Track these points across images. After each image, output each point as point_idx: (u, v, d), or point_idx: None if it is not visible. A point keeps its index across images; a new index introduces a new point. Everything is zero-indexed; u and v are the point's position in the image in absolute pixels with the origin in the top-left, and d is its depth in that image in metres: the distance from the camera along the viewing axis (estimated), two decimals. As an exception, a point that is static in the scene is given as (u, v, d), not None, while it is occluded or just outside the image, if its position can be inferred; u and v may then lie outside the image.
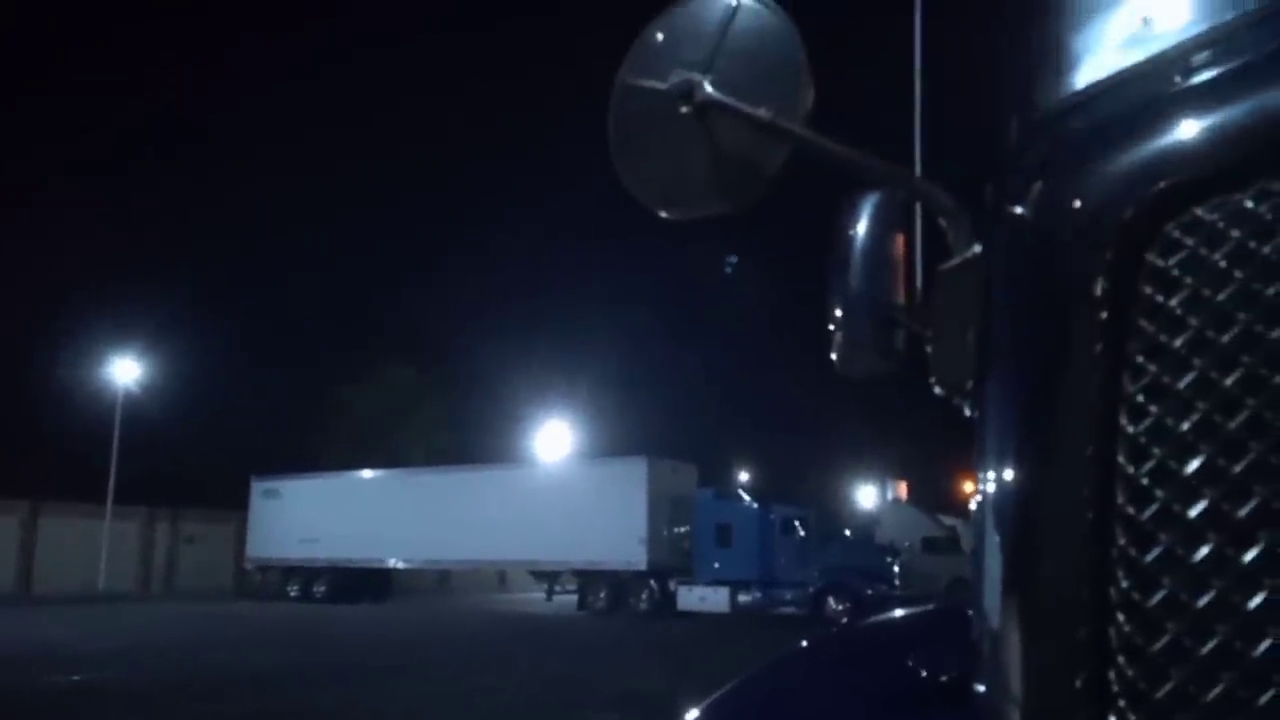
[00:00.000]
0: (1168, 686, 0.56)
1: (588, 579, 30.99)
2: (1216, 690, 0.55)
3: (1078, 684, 0.59)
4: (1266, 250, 0.58)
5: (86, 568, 38.25)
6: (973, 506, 0.74)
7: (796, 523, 28.41)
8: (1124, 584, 0.58)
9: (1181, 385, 0.59)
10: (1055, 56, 0.78)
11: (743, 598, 27.63)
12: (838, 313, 1.06)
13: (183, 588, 41.26)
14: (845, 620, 20.55)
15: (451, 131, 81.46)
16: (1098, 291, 0.63)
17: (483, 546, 32.26)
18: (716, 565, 28.10)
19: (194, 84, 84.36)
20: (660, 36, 1.12)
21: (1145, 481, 0.59)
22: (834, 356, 1.08)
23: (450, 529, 32.64)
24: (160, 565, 42.59)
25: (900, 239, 1.08)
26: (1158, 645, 0.57)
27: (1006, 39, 0.88)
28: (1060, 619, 0.61)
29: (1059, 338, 0.65)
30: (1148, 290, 0.61)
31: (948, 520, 35.01)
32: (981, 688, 0.71)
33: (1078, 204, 0.66)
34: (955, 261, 0.86)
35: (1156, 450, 0.59)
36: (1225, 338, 0.58)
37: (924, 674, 1.28)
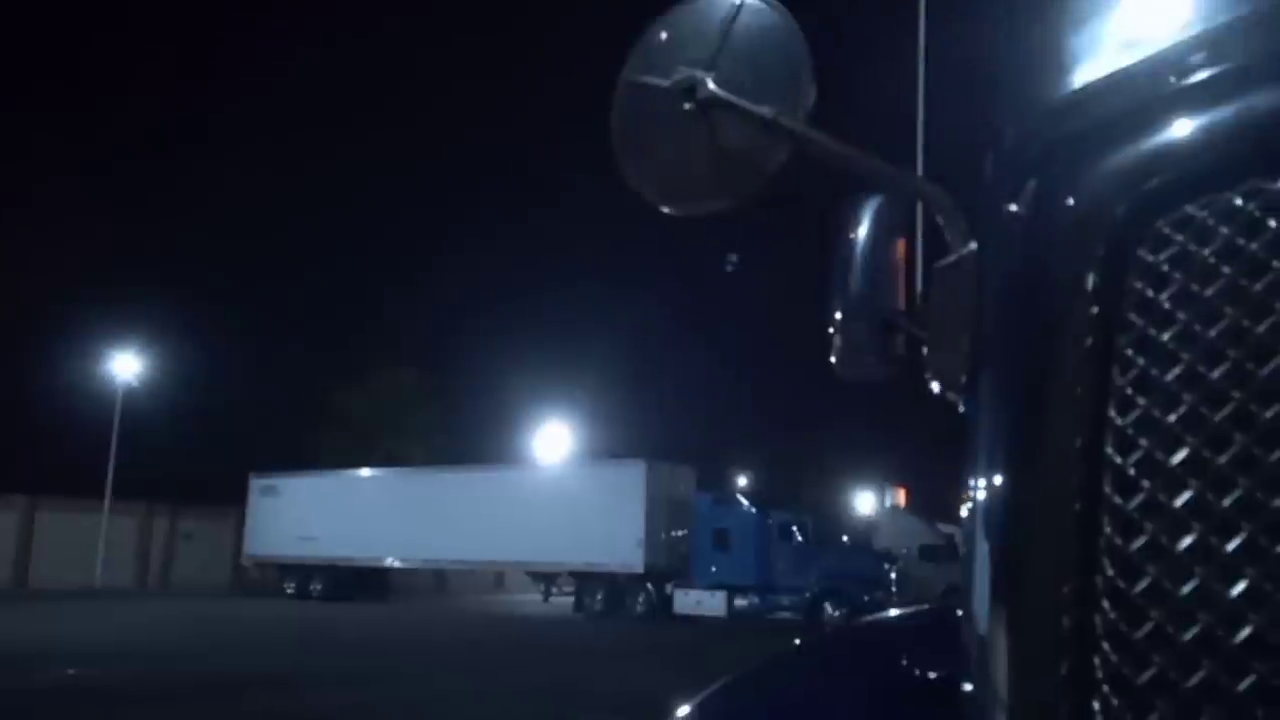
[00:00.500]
0: (1150, 673, 0.57)
1: (585, 581, 30.98)
2: (1198, 676, 0.56)
3: (1063, 670, 0.61)
4: (1255, 247, 0.59)
5: (84, 563, 38.26)
6: (965, 502, 0.75)
7: (794, 528, 28.40)
8: (1109, 572, 0.60)
9: (1169, 378, 0.60)
10: (1052, 57, 0.79)
11: (739, 602, 27.62)
12: (838, 316, 1.07)
13: (180, 584, 41.27)
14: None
15: (453, 132, 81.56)
16: (1089, 286, 0.64)
17: (480, 547, 32.25)
18: (714, 569, 28.10)
19: (197, 82, 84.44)
20: (664, 35, 1.14)
21: (1132, 472, 0.60)
22: (833, 360, 1.10)
23: (448, 529, 32.63)
24: (158, 561, 42.60)
25: (901, 243, 1.09)
26: (1141, 632, 0.58)
27: (1003, 39, 0.89)
28: (1047, 606, 0.62)
29: (1051, 331, 0.66)
30: (1138, 285, 0.63)
31: (945, 528, 34.99)
32: (969, 686, 0.72)
33: (1071, 201, 0.68)
34: (951, 258, 0.88)
35: (1143, 441, 0.60)
36: (1213, 332, 0.59)
37: (914, 672, 1.29)
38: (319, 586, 35.72)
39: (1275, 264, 0.58)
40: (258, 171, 72.77)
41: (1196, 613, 0.56)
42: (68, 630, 19.54)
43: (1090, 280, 0.64)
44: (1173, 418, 0.59)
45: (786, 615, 26.77)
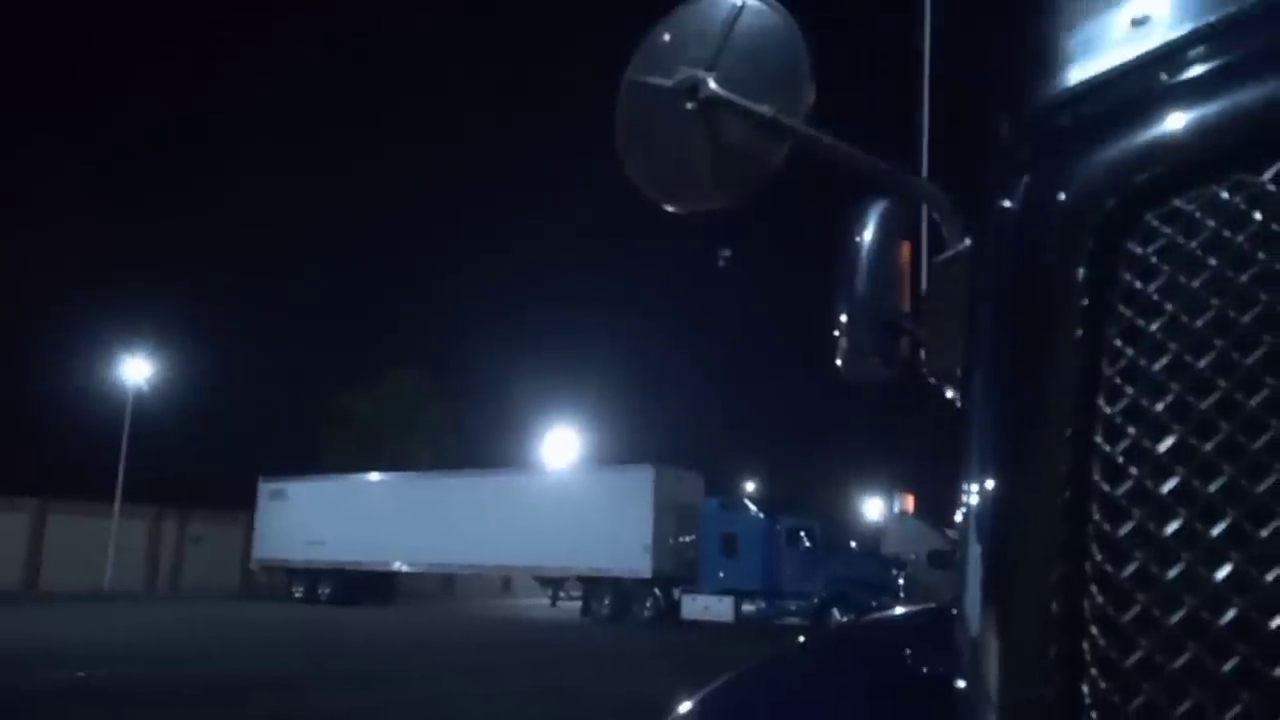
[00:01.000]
0: (1137, 655, 0.58)
1: (592, 586, 30.98)
2: (1183, 659, 0.57)
3: (1052, 653, 0.62)
4: (1240, 239, 0.60)
5: (94, 566, 38.39)
6: (960, 506, 0.76)
7: (802, 533, 28.35)
8: (1098, 557, 0.61)
9: (1156, 367, 0.61)
10: (1046, 55, 0.81)
11: (747, 607, 27.58)
12: (843, 318, 1.08)
13: (188, 587, 41.40)
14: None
15: (460, 136, 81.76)
16: (1079, 278, 0.65)
17: (488, 551, 32.28)
18: (721, 574, 28.07)
19: (206, 85, 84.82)
20: (667, 35, 1.16)
21: (1121, 459, 0.61)
22: (838, 361, 1.11)
23: (456, 533, 32.66)
24: (167, 565, 42.75)
25: (906, 246, 1.10)
26: (1128, 616, 0.59)
27: (1000, 38, 0.90)
28: (1037, 590, 0.64)
29: (1042, 322, 0.67)
30: (1126, 277, 0.64)
31: (954, 534, 34.68)
32: (962, 683, 0.73)
33: (1062, 195, 0.69)
34: (948, 254, 0.89)
35: (1132, 430, 0.61)
36: (1199, 322, 0.60)
37: (915, 669, 1.30)
38: (327, 590, 35.79)
39: (1260, 255, 0.59)
40: (267, 175, 73.11)
41: (1182, 596, 0.57)
42: (76, 632, 19.61)
43: (1080, 273, 0.65)
44: (1160, 406, 0.60)
45: (795, 621, 26.72)
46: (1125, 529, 0.60)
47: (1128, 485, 0.61)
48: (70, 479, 39.31)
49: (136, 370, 42.86)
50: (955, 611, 0.76)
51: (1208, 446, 0.58)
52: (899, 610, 2.06)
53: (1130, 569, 0.59)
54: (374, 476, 37.84)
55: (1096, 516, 0.61)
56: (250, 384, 52.81)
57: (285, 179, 73.30)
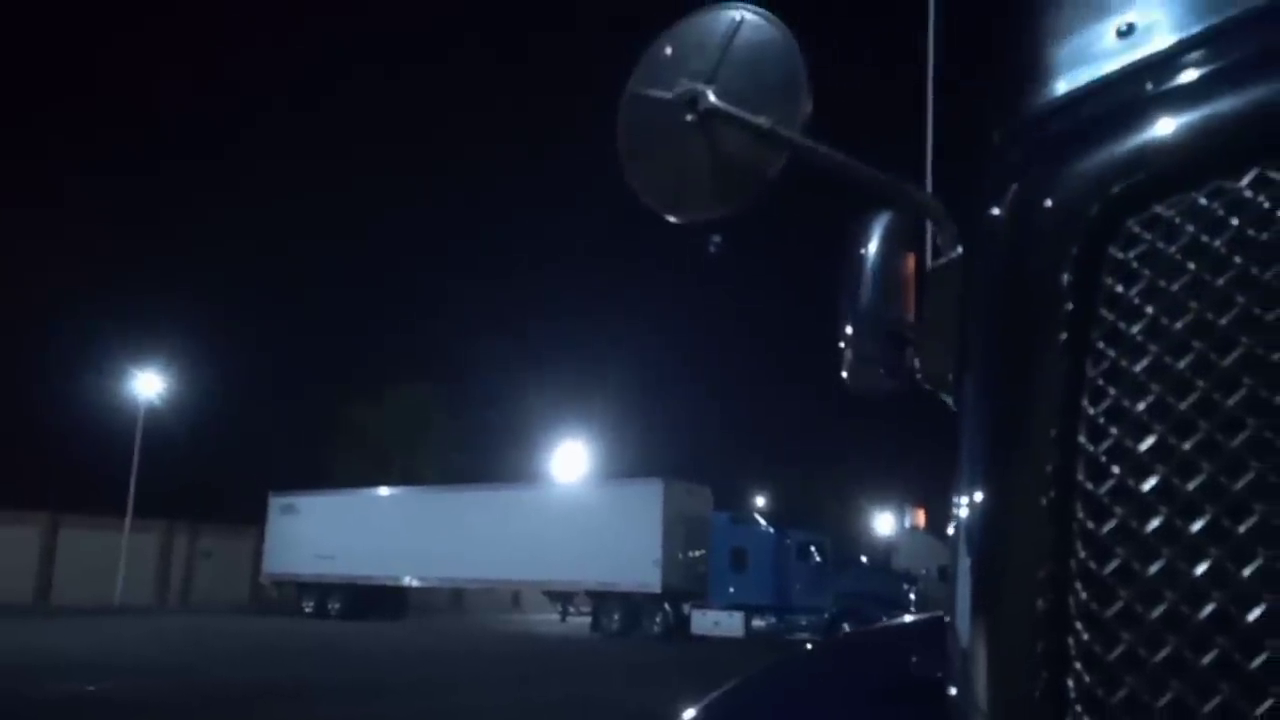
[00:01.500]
0: (1120, 650, 0.60)
1: (602, 600, 30.90)
2: (1164, 652, 0.58)
3: (1039, 649, 0.63)
4: (1217, 243, 0.62)
5: (104, 580, 38.48)
6: (950, 519, 0.77)
7: (812, 548, 28.26)
8: (1082, 554, 0.62)
9: (1137, 369, 0.63)
10: (1037, 66, 0.83)
11: (757, 622, 27.47)
12: (848, 330, 1.10)
13: (199, 601, 41.45)
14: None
15: (471, 150, 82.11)
16: (1064, 283, 0.67)
17: (497, 566, 32.24)
18: (731, 589, 27.98)
19: (216, 103, 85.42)
20: (668, 49, 1.18)
21: (1103, 459, 0.63)
22: (844, 374, 1.13)
23: (465, 548, 32.64)
24: (177, 579, 42.82)
25: (910, 257, 1.12)
26: (1111, 611, 0.60)
27: (995, 49, 0.92)
28: (1024, 588, 0.65)
29: (1029, 326, 0.69)
30: (1109, 281, 0.65)
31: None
32: (953, 690, 0.74)
33: (1049, 202, 0.71)
34: (941, 261, 0.91)
35: (1114, 429, 0.63)
36: (1178, 324, 0.62)
37: (918, 672, 1.31)
38: (337, 605, 35.79)
39: (1237, 259, 0.61)
40: (278, 189, 73.50)
41: (1163, 591, 0.59)
42: (86, 645, 19.64)
43: (1065, 277, 0.67)
44: (1141, 406, 0.62)
45: (805, 636, 26.60)
46: (1108, 526, 0.62)
47: (1110, 484, 0.62)
48: (81, 493, 39.52)
49: (148, 385, 43.04)
50: (946, 619, 0.77)
51: (1187, 445, 0.60)
52: (905, 618, 2.06)
53: (1113, 565, 0.61)
54: (384, 491, 37.87)
55: (1080, 515, 0.63)
56: (261, 398, 53.05)
57: (297, 193, 73.74)
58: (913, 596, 26.83)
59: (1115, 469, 0.62)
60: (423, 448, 48.72)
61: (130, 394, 42.86)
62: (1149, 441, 0.61)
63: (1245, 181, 0.62)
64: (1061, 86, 0.80)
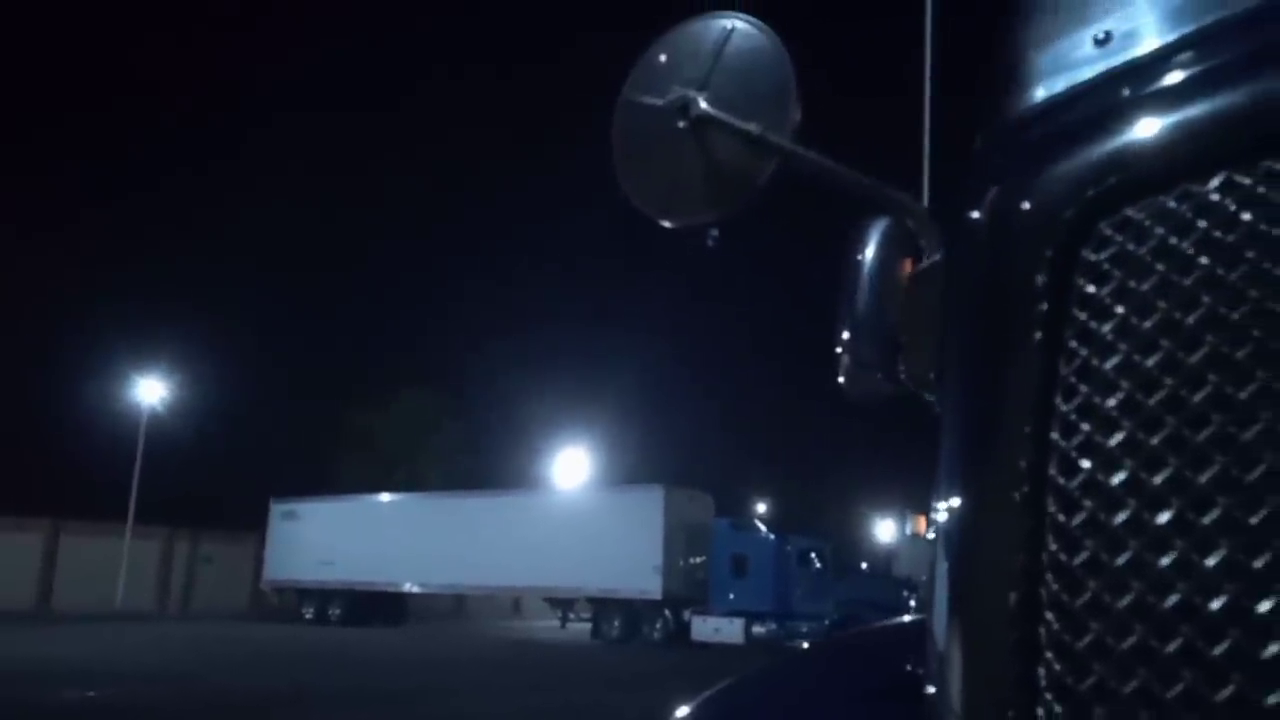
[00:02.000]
0: (1088, 639, 0.62)
1: (602, 607, 30.89)
2: (1131, 640, 0.60)
3: (1011, 639, 0.65)
4: (1185, 245, 0.64)
5: (105, 586, 38.46)
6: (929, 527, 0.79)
7: (813, 555, 28.25)
8: (1053, 547, 0.64)
9: (1108, 366, 0.65)
10: (1017, 74, 0.85)
11: (758, 629, 27.45)
12: (845, 335, 1.12)
13: (200, 607, 41.43)
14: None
15: (477, 155, 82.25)
16: (1039, 283, 0.69)
17: (498, 572, 32.23)
18: (732, 596, 27.97)
19: (220, 108, 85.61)
20: (661, 57, 1.20)
21: (1074, 454, 0.65)
22: (841, 379, 1.14)
23: (466, 554, 32.63)
24: (178, 585, 42.80)
25: (907, 264, 1.14)
26: (1080, 601, 0.62)
27: (978, 57, 0.94)
28: (997, 581, 0.67)
29: (1006, 325, 0.71)
30: (1081, 281, 0.67)
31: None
32: (931, 689, 0.76)
33: (1026, 205, 0.73)
34: (924, 264, 0.93)
35: (1085, 425, 0.65)
36: (1147, 323, 0.64)
37: (912, 671, 1.33)
38: (337, 611, 35.77)
39: (1203, 260, 0.63)
40: (282, 194, 73.60)
41: (1130, 581, 0.61)
42: (88, 651, 19.64)
43: (1040, 279, 0.69)
44: (1111, 403, 0.64)
45: (806, 643, 26.57)
46: (1078, 519, 0.64)
47: (1081, 478, 0.64)
48: (83, 499, 39.52)
49: (150, 391, 43.09)
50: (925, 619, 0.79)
51: (1154, 440, 0.62)
52: (906, 618, 2.07)
53: (1082, 557, 0.63)
54: (385, 497, 37.88)
55: (1052, 508, 0.65)
56: (263, 405, 53.07)
57: (300, 199, 73.82)
58: (913, 603, 26.78)
59: (1086, 463, 0.64)
60: (425, 454, 48.73)
61: (133, 400, 42.92)
62: (1118, 437, 0.63)
63: (1212, 185, 0.64)
64: (1040, 93, 0.82)
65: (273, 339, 63.27)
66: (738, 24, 1.15)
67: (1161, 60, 0.72)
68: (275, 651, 22.05)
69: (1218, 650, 0.56)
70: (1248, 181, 0.62)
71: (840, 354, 1.12)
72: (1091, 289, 0.67)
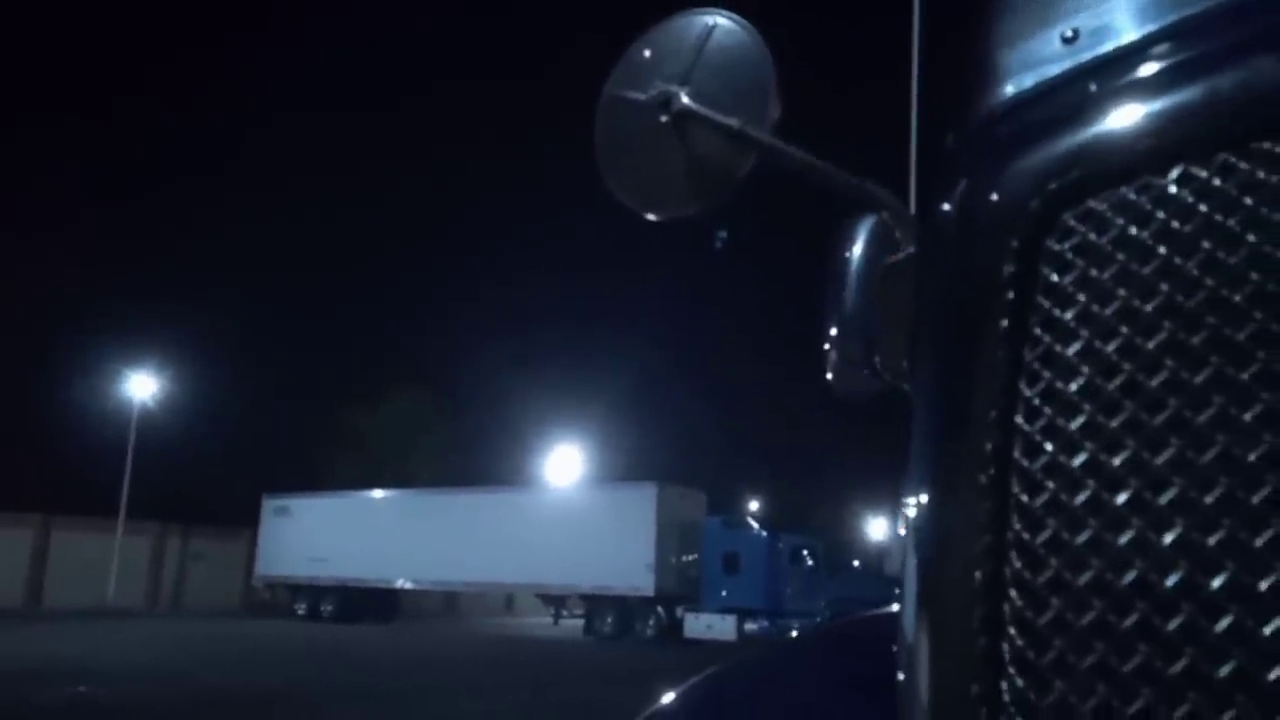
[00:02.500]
0: (1049, 615, 0.64)
1: (595, 604, 30.91)
2: (1089, 616, 0.62)
3: (976, 618, 0.67)
4: (1144, 235, 0.66)
5: (96, 582, 38.37)
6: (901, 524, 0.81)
7: (805, 552, 28.33)
8: (1016, 526, 0.66)
9: (1070, 352, 0.67)
10: (989, 72, 0.87)
11: (750, 626, 27.53)
12: (832, 332, 1.14)
13: (191, 604, 41.35)
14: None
15: (468, 155, 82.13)
16: (1005, 273, 0.71)
17: (491, 569, 32.24)
18: (724, 593, 28.03)
19: (212, 106, 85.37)
20: (645, 53, 1.22)
21: (1038, 437, 0.67)
22: (828, 375, 1.17)
23: (459, 551, 32.63)
24: (169, 581, 42.71)
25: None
26: (1042, 579, 0.64)
27: (949, 56, 0.96)
28: (962, 561, 0.69)
29: (974, 313, 0.73)
30: (1045, 270, 0.69)
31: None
32: (900, 674, 0.78)
33: (994, 198, 0.75)
34: (898, 256, 0.95)
35: (1048, 409, 0.67)
36: (1107, 310, 0.66)
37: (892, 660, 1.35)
38: (329, 607, 35.72)
39: (1161, 250, 0.65)
40: (273, 194, 73.45)
41: (1089, 559, 0.63)
42: (78, 648, 19.61)
43: (1007, 268, 0.71)
44: (1072, 387, 0.66)
45: (797, 640, 26.58)
46: (1041, 500, 0.66)
47: (1043, 460, 0.66)
48: (74, 495, 39.44)
49: (141, 387, 42.99)
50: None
51: (1113, 423, 0.64)
52: (892, 609, 2.09)
53: (1044, 536, 0.65)
54: (377, 493, 37.82)
55: (1016, 489, 0.67)
56: (254, 401, 52.98)
57: (291, 196, 73.69)
58: (905, 600, 26.85)
59: (1048, 446, 0.66)
60: (417, 452, 48.68)
61: (124, 396, 42.82)
62: (1079, 420, 0.65)
63: (1171, 178, 0.66)
64: (1009, 90, 0.84)
65: (265, 337, 63.22)
66: (720, 20, 1.17)
67: (1124, 58, 0.75)
68: (267, 649, 22.03)
69: (1172, 625, 0.58)
70: (1204, 174, 0.65)
71: (828, 351, 1.15)
72: (1055, 278, 0.69)
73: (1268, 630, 0.55)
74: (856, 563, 32.67)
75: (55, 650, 18.85)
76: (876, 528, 53.93)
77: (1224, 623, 0.56)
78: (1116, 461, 0.63)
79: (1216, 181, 0.64)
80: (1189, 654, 0.57)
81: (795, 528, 31.00)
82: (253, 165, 78.85)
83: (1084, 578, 0.62)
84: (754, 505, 49.27)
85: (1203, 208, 0.64)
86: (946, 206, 0.80)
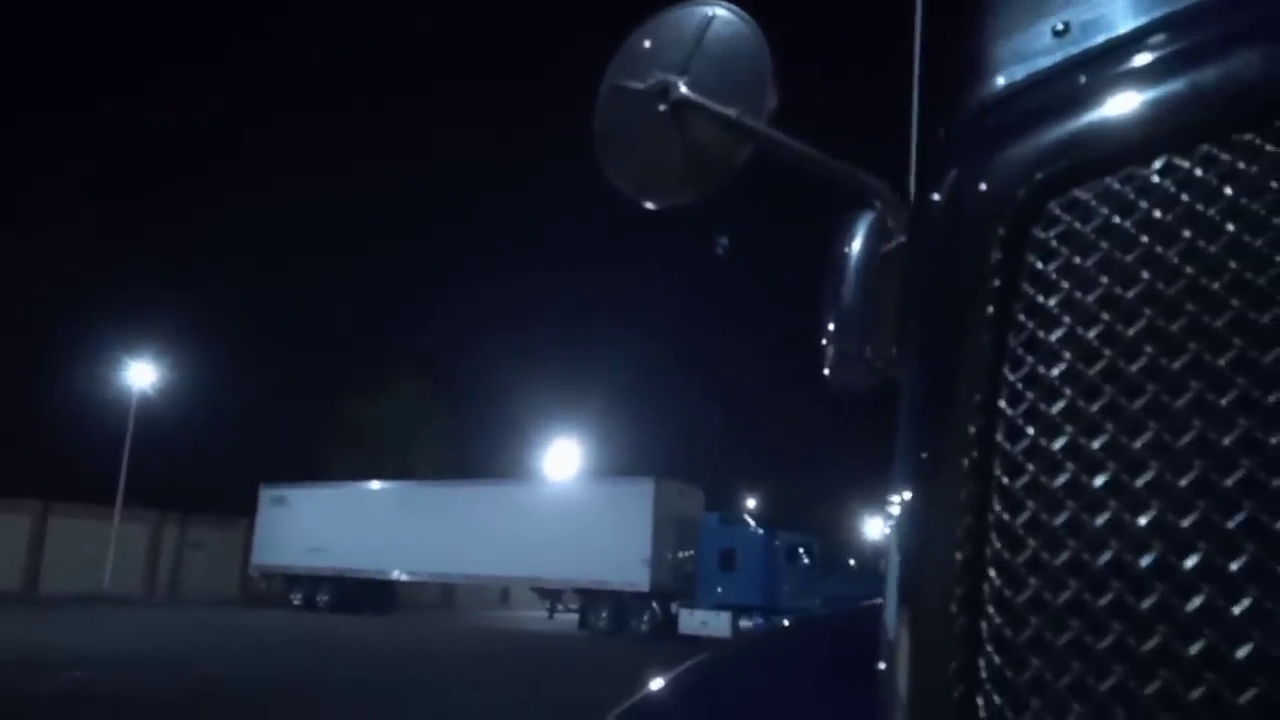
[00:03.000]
0: (1027, 594, 0.65)
1: (590, 598, 30.94)
2: (1066, 595, 0.63)
3: (957, 595, 0.69)
4: (1127, 224, 0.67)
5: (93, 570, 38.38)
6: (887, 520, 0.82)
7: (801, 550, 28.33)
8: (997, 508, 0.68)
9: (1052, 338, 0.68)
10: (981, 63, 0.88)
11: (744, 623, 27.53)
12: (829, 327, 1.15)
13: (188, 593, 41.36)
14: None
15: (467, 148, 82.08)
16: (992, 260, 0.72)
17: (487, 561, 32.26)
18: (719, 590, 28.04)
19: (212, 99, 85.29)
20: (644, 42, 1.24)
21: (1020, 421, 0.68)
22: (825, 370, 1.18)
23: (456, 543, 32.64)
24: (166, 570, 42.74)
25: None
26: (1021, 559, 0.66)
27: (944, 46, 0.98)
28: (945, 542, 0.70)
29: (960, 300, 0.74)
30: (1031, 258, 0.71)
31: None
32: (882, 664, 0.79)
33: (982, 187, 0.76)
34: (889, 246, 0.96)
35: (1030, 394, 0.68)
36: (1089, 297, 0.67)
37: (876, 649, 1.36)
38: (326, 598, 35.74)
39: (1143, 239, 0.66)
40: (273, 186, 73.40)
41: (1067, 540, 0.64)
42: (75, 636, 19.63)
43: (994, 256, 0.73)
44: (1054, 372, 0.67)
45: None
46: (1021, 482, 0.67)
47: (1025, 443, 0.68)
48: (72, 482, 39.49)
49: (140, 375, 42.98)
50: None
51: (1093, 408, 0.65)
52: (879, 600, 2.10)
53: (1024, 517, 0.66)
54: (375, 485, 37.85)
55: (998, 472, 0.68)
56: (254, 391, 53.06)
57: (291, 188, 73.67)
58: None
59: (1030, 430, 0.67)
60: (416, 443, 48.71)
61: (123, 384, 42.82)
62: (1059, 405, 0.67)
63: (1154, 168, 0.67)
64: (1000, 82, 0.85)
65: (265, 329, 63.24)
66: (719, 11, 1.18)
67: (1112, 51, 0.76)
68: (263, 640, 22.06)
69: (1145, 604, 0.60)
70: (1186, 165, 0.66)
71: (825, 345, 1.16)
72: (1040, 265, 0.70)
73: (1237, 610, 0.56)
74: (852, 561, 32.63)
75: (51, 637, 18.86)
76: (873, 526, 53.96)
77: (1195, 602, 0.57)
78: (1095, 445, 0.64)
79: (1198, 172, 0.65)
80: (1161, 632, 0.58)
81: (792, 525, 30.96)
82: (254, 160, 78.89)
83: (1061, 558, 0.64)
84: (751, 502, 49.33)
85: (1184, 197, 0.65)
86: (936, 195, 0.82)
